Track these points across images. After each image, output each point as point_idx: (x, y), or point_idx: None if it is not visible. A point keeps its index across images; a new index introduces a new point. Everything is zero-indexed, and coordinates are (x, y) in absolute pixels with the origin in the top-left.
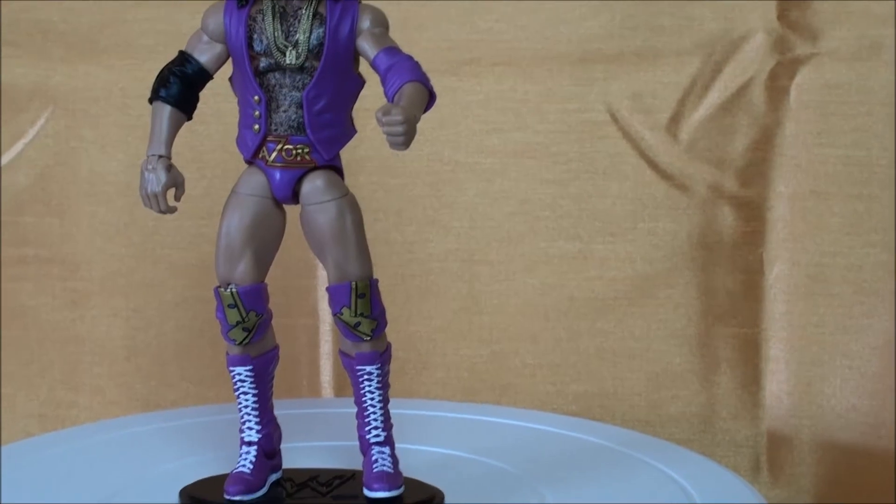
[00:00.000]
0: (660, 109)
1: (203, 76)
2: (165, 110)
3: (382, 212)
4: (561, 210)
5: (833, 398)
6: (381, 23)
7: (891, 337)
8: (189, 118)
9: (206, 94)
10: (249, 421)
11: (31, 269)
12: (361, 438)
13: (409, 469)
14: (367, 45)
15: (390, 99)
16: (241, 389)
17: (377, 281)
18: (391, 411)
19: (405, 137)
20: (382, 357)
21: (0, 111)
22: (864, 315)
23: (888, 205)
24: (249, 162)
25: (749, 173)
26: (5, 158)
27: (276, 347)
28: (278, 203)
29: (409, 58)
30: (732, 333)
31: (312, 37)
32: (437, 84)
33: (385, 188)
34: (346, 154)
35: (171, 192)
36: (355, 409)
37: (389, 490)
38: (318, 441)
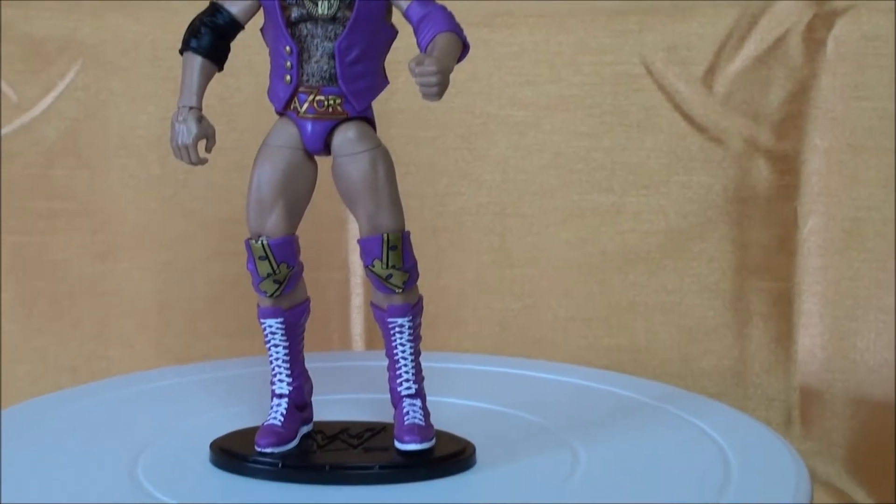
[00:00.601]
0: (695, 61)
1: (234, 27)
2: (196, 61)
3: (414, 164)
4: (594, 163)
5: (866, 352)
6: None
7: None
8: (220, 69)
9: (237, 46)
10: (280, 373)
11: (62, 222)
12: (393, 391)
13: (440, 422)
14: None
15: (423, 49)
16: (273, 342)
17: (409, 233)
18: (422, 364)
19: (438, 88)
20: (414, 309)
21: (31, 63)
22: None
23: None
24: (281, 113)
25: (784, 126)
26: (36, 111)
27: (308, 300)
28: (310, 155)
29: (443, 8)
30: (766, 288)
31: None
32: (470, 36)
33: (417, 141)
34: (378, 106)
35: (202, 144)
36: (386, 362)
37: (421, 442)
38: (349, 394)
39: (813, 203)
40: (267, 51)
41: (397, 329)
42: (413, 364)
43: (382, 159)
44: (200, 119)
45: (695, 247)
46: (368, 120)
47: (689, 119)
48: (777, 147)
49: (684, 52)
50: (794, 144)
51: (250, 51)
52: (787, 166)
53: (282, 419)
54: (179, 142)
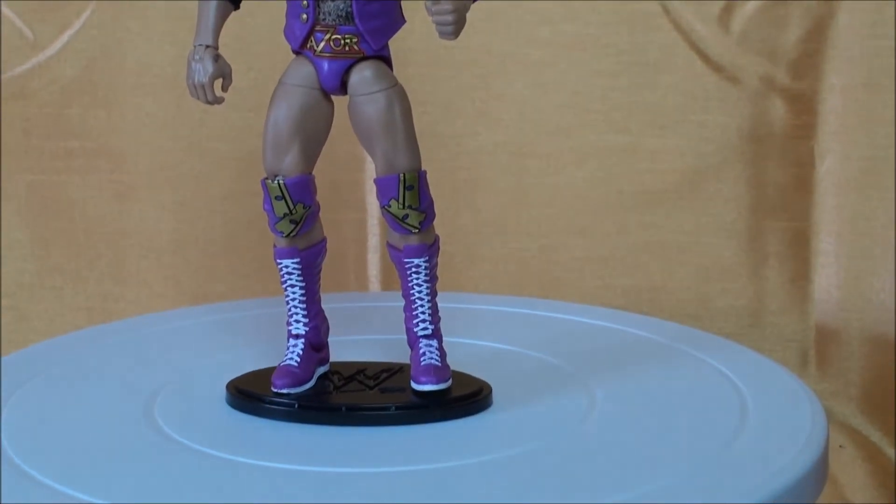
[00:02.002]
0: (712, 1)
1: None
2: (213, 0)
3: (431, 104)
4: (611, 102)
5: (882, 292)
6: None
7: None
8: (236, 8)
9: None
10: (297, 314)
11: (78, 161)
12: (409, 331)
13: (456, 362)
14: None
15: None
16: (289, 282)
17: (426, 173)
18: (439, 305)
19: (455, 27)
20: (430, 250)
21: (46, 2)
22: None
23: None
24: (297, 52)
25: (801, 65)
26: (52, 50)
27: (324, 240)
28: (326, 94)
29: None
30: (782, 227)
31: None
32: None
33: (433, 80)
34: (395, 45)
35: (219, 83)
36: (403, 303)
37: (437, 383)
38: (365, 335)
39: (829, 142)
40: None
41: (413, 269)
42: (430, 305)
43: (399, 99)
44: (217, 58)
45: (711, 187)
46: (385, 59)
47: (705, 58)
48: (793, 86)
49: None
50: (810, 83)
51: None
52: (804, 105)
53: (298, 360)
54: (196, 80)
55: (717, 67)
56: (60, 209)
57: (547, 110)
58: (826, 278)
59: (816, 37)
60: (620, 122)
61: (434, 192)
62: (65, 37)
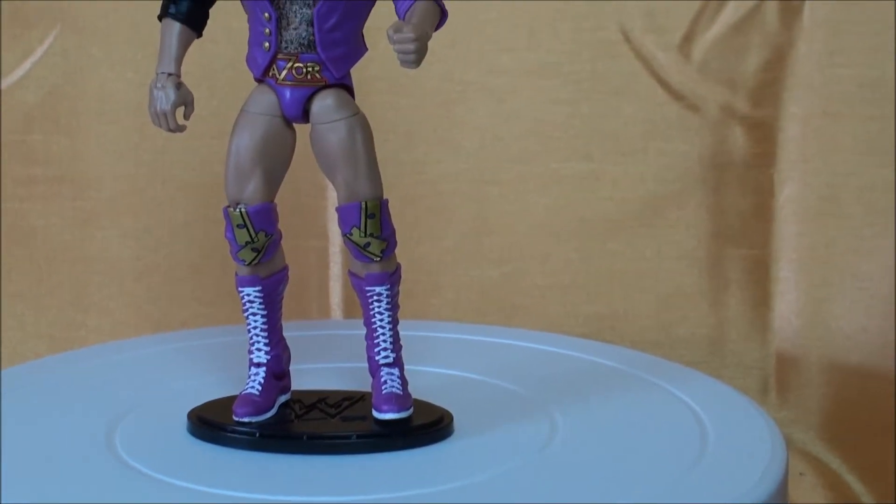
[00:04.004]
0: (672, 29)
1: None
2: (175, 27)
3: (392, 132)
4: (573, 130)
5: (842, 319)
6: None
7: None
8: (199, 35)
9: (215, 12)
10: (258, 342)
11: (40, 188)
12: (371, 360)
13: (418, 390)
14: None
15: (402, 17)
16: (251, 310)
17: (387, 201)
18: (401, 333)
19: (416, 55)
20: (392, 278)
21: (9, 28)
22: (874, 236)
23: None
24: (259, 80)
25: (761, 94)
26: (14, 76)
27: (286, 268)
28: (288, 122)
29: None
30: (742, 255)
31: None
32: (448, 2)
33: (395, 107)
34: (357, 73)
35: (180, 111)
36: (364, 331)
37: (398, 411)
38: (327, 363)
39: (789, 170)
40: (246, 17)
41: (375, 297)
42: (391, 333)
43: (361, 127)
44: (179, 86)
45: (672, 214)
46: (347, 87)
47: (666, 86)
48: (754, 114)
49: (662, 19)
50: (770, 112)
51: (229, 16)
52: (764, 133)
53: (259, 388)
54: (158, 108)
55: (678, 96)
56: (22, 236)
57: (509, 138)
58: (786, 305)
59: (776, 65)
60: (582, 150)
61: (396, 219)
62: (28, 63)
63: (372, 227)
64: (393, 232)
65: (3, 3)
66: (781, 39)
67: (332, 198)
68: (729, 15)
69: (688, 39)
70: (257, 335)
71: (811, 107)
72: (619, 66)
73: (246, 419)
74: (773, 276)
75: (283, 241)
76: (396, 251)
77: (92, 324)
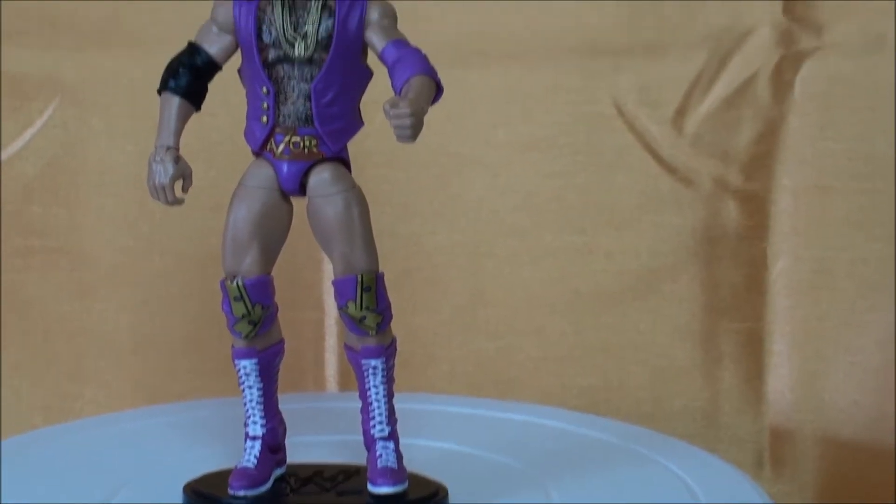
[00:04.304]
0: (665, 103)
1: (212, 67)
2: (174, 101)
3: (388, 204)
4: (566, 203)
5: (835, 393)
6: (390, 15)
7: (893, 332)
8: (198, 109)
9: (214, 85)
10: (254, 415)
11: (38, 259)
12: (366, 433)
13: (413, 464)
14: (375, 38)
15: (398, 91)
16: (247, 383)
17: (383, 274)
18: (396, 405)
19: (412, 130)
20: (387, 351)
21: (9, 100)
22: (867, 310)
23: (892, 199)
24: (257, 154)
25: (753, 167)
26: (13, 148)
27: (282, 341)
28: (285, 195)
29: (417, 50)
30: (736, 328)
31: (321, 28)
32: (444, 76)
33: (391, 181)
34: (353, 146)
35: (179, 184)
36: (360, 404)
37: (394, 485)
38: (322, 436)
39: (782, 243)
40: (244, 91)
41: (371, 371)
42: (386, 406)
43: (357, 201)
44: (178, 159)
45: (666, 287)
46: (344, 161)
47: (659, 160)
48: (746, 187)
49: (655, 93)
50: (762, 185)
51: (228, 90)
52: (756, 206)
53: (255, 461)
54: (156, 181)
55: (671, 169)
56: (20, 307)
57: (503, 210)
58: (779, 379)
59: (768, 139)
60: (576, 223)
61: (391, 292)
62: (27, 135)
63: (368, 300)
64: (388, 305)
65: (3, 74)
66: (773, 113)
67: (328, 270)
68: (721, 89)
69: (681, 113)
70: (253, 408)
71: (803, 180)
72: (612, 140)
73: (241, 493)
74: (766, 350)
75: (278, 314)
76: (392, 323)
77: (88, 395)
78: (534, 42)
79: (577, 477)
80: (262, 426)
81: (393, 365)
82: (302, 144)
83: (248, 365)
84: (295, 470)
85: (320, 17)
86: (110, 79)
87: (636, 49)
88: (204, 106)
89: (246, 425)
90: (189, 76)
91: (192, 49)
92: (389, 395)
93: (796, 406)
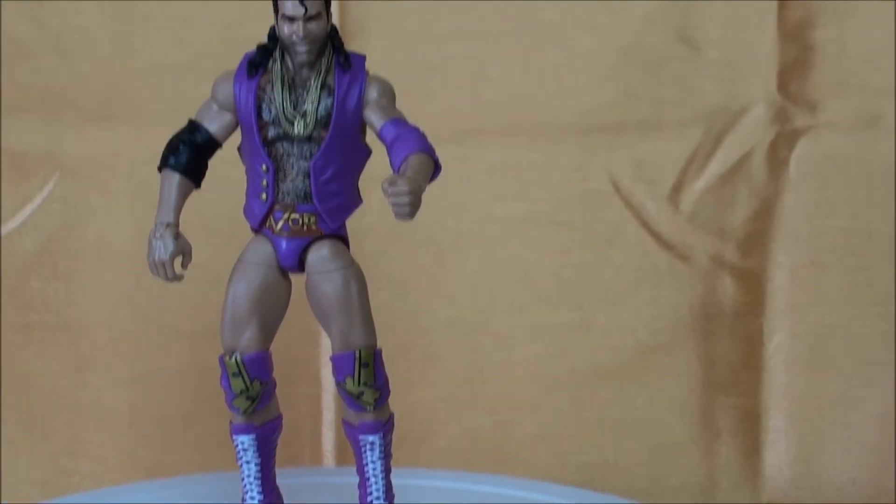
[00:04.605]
0: (662, 179)
1: (212, 145)
2: (174, 178)
3: (386, 280)
4: (563, 279)
5: (833, 470)
6: (388, 93)
7: (891, 408)
8: (197, 186)
9: (214, 161)
10: (252, 490)
11: (36, 334)
12: None
13: None
14: (374, 116)
15: (396, 169)
16: (244, 458)
17: (381, 350)
18: (393, 481)
19: (411, 208)
20: (385, 427)
21: (9, 175)
22: (864, 386)
23: (887, 276)
24: (256, 230)
25: (749, 244)
26: (13, 223)
27: (280, 416)
28: (284, 272)
29: (416, 129)
30: (733, 404)
31: (320, 107)
32: (441, 153)
33: (388, 256)
34: (351, 222)
35: (178, 260)
36: (357, 479)
37: None
38: None
39: (778, 319)
40: (243, 167)
41: (368, 446)
42: (384, 481)
43: (355, 277)
44: (177, 236)
45: (663, 363)
46: (342, 238)
47: (656, 236)
48: (742, 264)
49: (651, 169)
50: (758, 261)
51: (227, 167)
52: (753, 283)
53: None
54: (156, 258)
55: (667, 245)
56: (17, 382)
57: (500, 287)
58: (777, 455)
59: (763, 216)
60: (573, 299)
61: (389, 368)
62: (27, 210)
63: (366, 376)
64: (386, 381)
65: (3, 150)
66: (769, 191)
67: (325, 345)
68: (717, 166)
69: (677, 190)
70: (251, 483)
71: (799, 257)
72: (608, 216)
73: None
74: (763, 426)
75: (276, 388)
76: (389, 399)
77: (85, 470)
78: (530, 119)
79: None
80: (259, 501)
81: (391, 440)
82: (301, 221)
83: (245, 440)
84: None
85: (320, 96)
86: (110, 155)
87: (632, 126)
88: (203, 182)
89: (243, 500)
90: (189, 153)
91: (193, 126)
92: (387, 471)
93: (794, 482)
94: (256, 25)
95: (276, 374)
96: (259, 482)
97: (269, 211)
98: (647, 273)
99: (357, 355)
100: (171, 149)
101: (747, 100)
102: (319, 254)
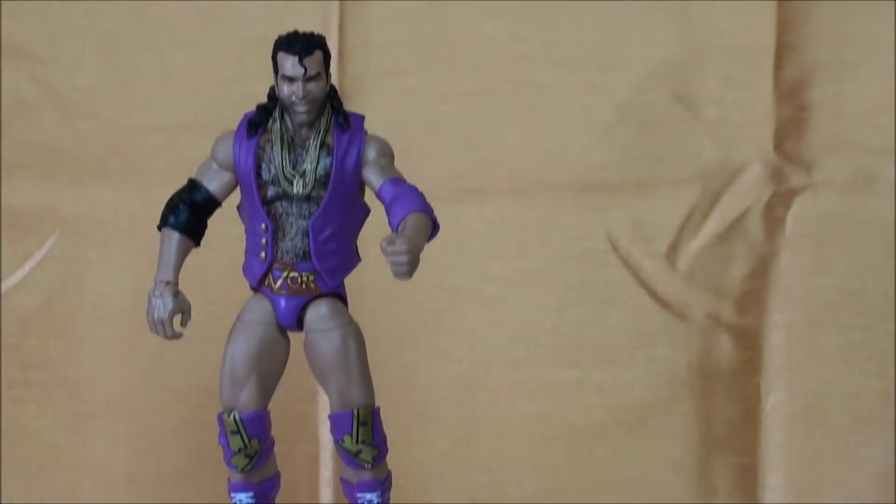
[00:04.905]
0: (659, 238)
1: (212, 204)
2: (174, 237)
3: (384, 338)
4: (561, 337)
5: None
6: (387, 153)
7: (889, 467)
8: (197, 245)
9: (213, 220)
10: None
11: (36, 391)
12: None
13: None
14: (372, 176)
15: (394, 228)
16: None
17: (379, 409)
18: None
19: (409, 267)
20: (383, 485)
21: (8, 233)
22: (861, 445)
23: (884, 335)
24: (255, 289)
25: (746, 302)
26: (13, 280)
27: (278, 474)
28: (283, 330)
29: (414, 188)
30: (730, 462)
31: (319, 167)
32: (440, 211)
33: (387, 314)
34: (350, 280)
35: (177, 318)
36: None
37: None
38: None
39: (775, 378)
40: (242, 225)
41: None
42: None
43: (354, 336)
44: (177, 294)
45: (660, 421)
46: (341, 296)
47: (653, 294)
48: (739, 322)
49: (648, 228)
50: (755, 320)
51: (226, 225)
52: (749, 341)
53: None
54: (155, 316)
55: (664, 304)
56: (17, 438)
57: (498, 344)
58: None
59: (760, 274)
60: (570, 357)
61: (387, 425)
62: (26, 268)
63: (364, 434)
64: (384, 439)
65: (3, 207)
66: (765, 249)
67: (323, 402)
68: (713, 225)
69: (674, 248)
70: None
71: (795, 315)
72: (606, 275)
73: None
74: (761, 484)
75: (274, 445)
76: (387, 457)
77: None
78: (527, 178)
79: None
80: None
81: (388, 498)
82: (300, 280)
83: (244, 498)
84: None
85: (319, 156)
86: (109, 212)
87: (629, 185)
88: (203, 240)
89: None
90: (189, 212)
91: (192, 186)
92: None
93: None
94: (256, 85)
95: (273, 432)
96: None
97: (268, 269)
98: (644, 331)
99: (355, 413)
100: (171, 208)
101: (744, 159)
102: (318, 312)
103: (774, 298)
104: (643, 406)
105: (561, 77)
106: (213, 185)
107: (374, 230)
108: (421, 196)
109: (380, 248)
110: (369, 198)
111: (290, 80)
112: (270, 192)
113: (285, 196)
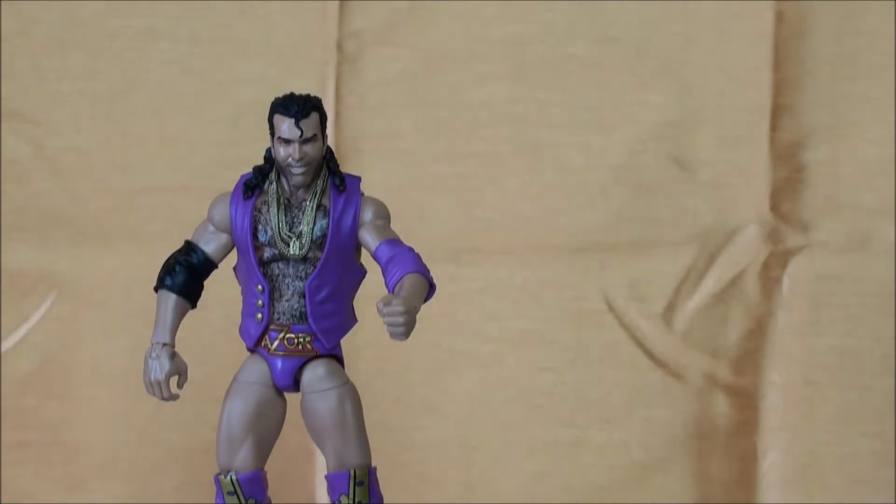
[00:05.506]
0: (655, 298)
1: (208, 266)
2: (171, 299)
3: (381, 398)
4: (557, 397)
5: None
6: (383, 215)
7: None
8: (193, 306)
9: (210, 281)
10: None
11: (33, 453)
12: None
13: None
14: (369, 237)
15: (391, 289)
16: None
17: (375, 469)
18: None
19: (405, 328)
20: None
21: (6, 295)
22: None
23: (881, 394)
24: (252, 350)
25: (743, 362)
26: (10, 342)
27: None
28: (279, 391)
29: (410, 249)
30: None
31: (316, 228)
32: (436, 272)
33: (383, 375)
34: (346, 340)
35: (174, 380)
36: None
37: None
38: None
39: (772, 438)
40: (238, 286)
41: None
42: None
43: (350, 397)
44: (173, 356)
45: (657, 481)
46: (337, 357)
47: (649, 355)
48: (736, 383)
49: (644, 288)
50: (752, 380)
51: (222, 286)
52: (746, 401)
53: None
54: (152, 377)
55: (661, 364)
56: (12, 501)
57: (494, 405)
58: None
59: (757, 335)
60: (567, 417)
61: (383, 486)
62: (23, 330)
63: (360, 495)
64: (381, 499)
65: (1, 270)
66: (762, 310)
67: (320, 462)
68: (710, 285)
69: (670, 309)
70: None
71: (792, 375)
72: (602, 335)
73: None
74: None
75: None
76: None
77: None
78: (524, 239)
79: None
80: None
81: None
82: (296, 341)
83: None
84: None
85: (315, 217)
86: (106, 274)
87: (625, 245)
88: (199, 301)
89: None
90: (185, 274)
91: (189, 247)
92: None
93: None
94: (251, 147)
95: (270, 493)
96: None
97: (265, 331)
98: (641, 391)
99: (352, 474)
100: (168, 269)
101: (740, 220)
102: (315, 373)
103: (771, 358)
104: (640, 466)
105: (556, 138)
106: (209, 246)
107: (371, 291)
108: (417, 257)
109: (376, 309)
110: (365, 259)
111: (287, 142)
112: (267, 253)
113: (282, 257)
